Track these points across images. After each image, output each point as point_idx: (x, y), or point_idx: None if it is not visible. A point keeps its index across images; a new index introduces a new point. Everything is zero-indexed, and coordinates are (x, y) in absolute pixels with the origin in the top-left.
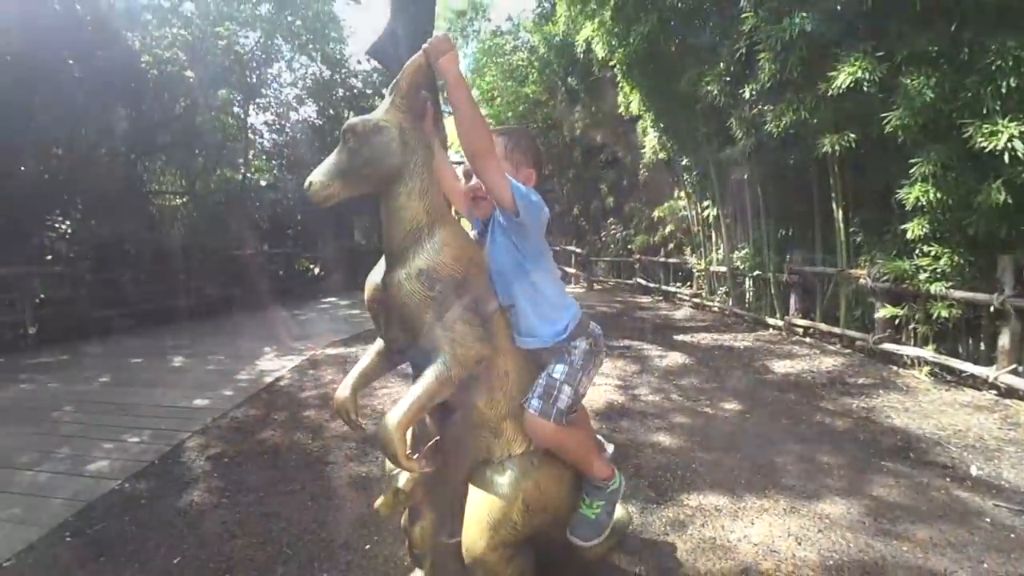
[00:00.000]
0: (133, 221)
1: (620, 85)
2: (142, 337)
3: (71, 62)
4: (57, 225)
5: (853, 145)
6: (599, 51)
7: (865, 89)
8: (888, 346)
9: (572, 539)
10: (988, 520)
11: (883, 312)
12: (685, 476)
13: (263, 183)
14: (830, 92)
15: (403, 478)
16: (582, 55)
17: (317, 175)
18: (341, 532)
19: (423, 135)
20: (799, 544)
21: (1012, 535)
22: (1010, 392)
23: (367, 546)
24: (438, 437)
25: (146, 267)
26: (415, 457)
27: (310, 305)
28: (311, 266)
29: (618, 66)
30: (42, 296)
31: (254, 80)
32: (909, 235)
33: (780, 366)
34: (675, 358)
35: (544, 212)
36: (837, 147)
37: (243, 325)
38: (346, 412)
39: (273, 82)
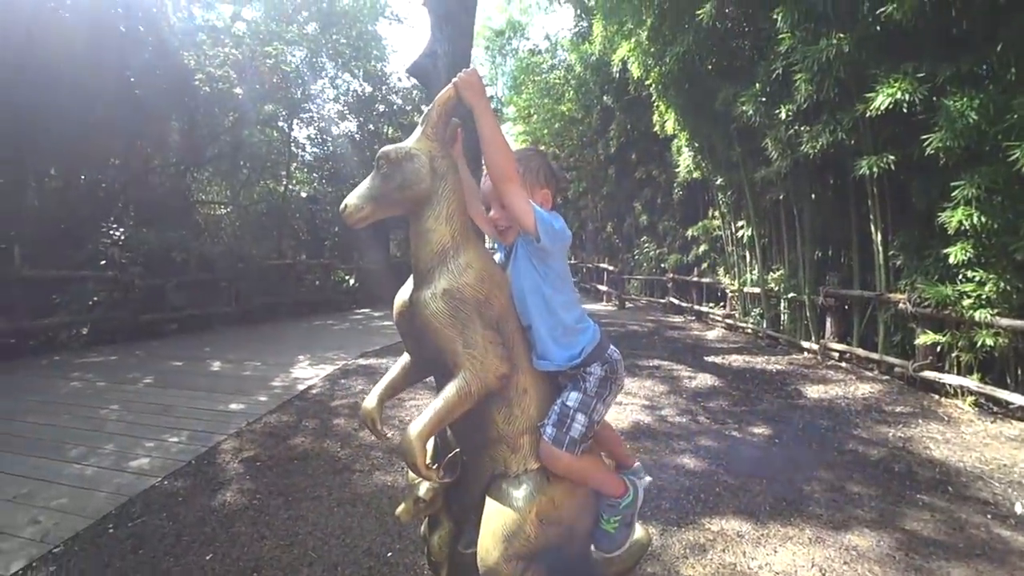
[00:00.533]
0: (180, 230)
1: (655, 104)
2: (184, 341)
3: (132, 79)
4: (111, 232)
5: (892, 167)
6: (635, 70)
7: (905, 110)
8: (929, 374)
9: (595, 551)
10: None
11: (924, 338)
12: (708, 500)
13: (303, 195)
14: (868, 113)
15: (424, 487)
16: (618, 74)
17: (352, 198)
18: (364, 539)
19: (452, 162)
20: (822, 575)
21: None
22: None
23: (389, 554)
24: (458, 449)
25: (191, 274)
26: (434, 467)
27: (344, 316)
28: (347, 277)
29: (653, 85)
30: (95, 299)
31: (298, 96)
32: (952, 260)
33: (813, 391)
34: (705, 379)
35: (566, 238)
36: (875, 169)
37: (279, 333)
38: (371, 421)
39: (316, 98)
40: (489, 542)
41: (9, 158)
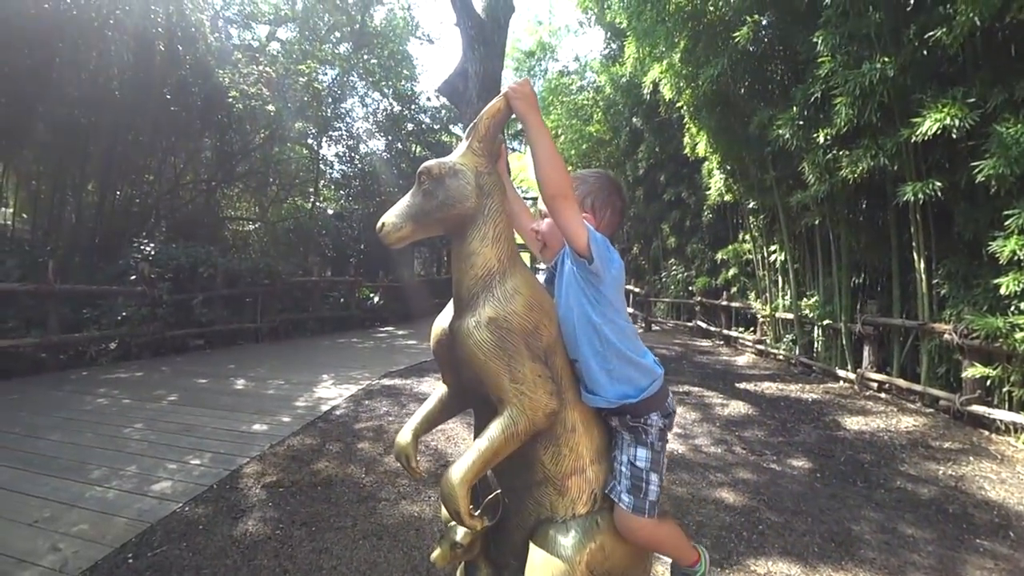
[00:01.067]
0: (210, 245)
1: (686, 126)
2: (209, 358)
3: (169, 96)
4: (142, 247)
5: (938, 193)
6: (666, 92)
7: (953, 136)
8: (978, 408)
9: None
10: None
11: (972, 371)
12: (751, 538)
13: (330, 212)
14: (913, 139)
15: (460, 532)
16: (648, 96)
17: (390, 216)
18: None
19: (498, 179)
20: None
21: None
22: None
23: None
24: (499, 491)
25: (218, 290)
26: (477, 513)
27: (368, 334)
28: (371, 295)
29: (685, 108)
30: (123, 314)
31: (329, 114)
32: (1003, 291)
33: (853, 422)
34: (738, 407)
35: (618, 265)
36: (920, 195)
37: (303, 351)
38: (406, 458)
39: (346, 116)
40: None
41: (53, 172)
